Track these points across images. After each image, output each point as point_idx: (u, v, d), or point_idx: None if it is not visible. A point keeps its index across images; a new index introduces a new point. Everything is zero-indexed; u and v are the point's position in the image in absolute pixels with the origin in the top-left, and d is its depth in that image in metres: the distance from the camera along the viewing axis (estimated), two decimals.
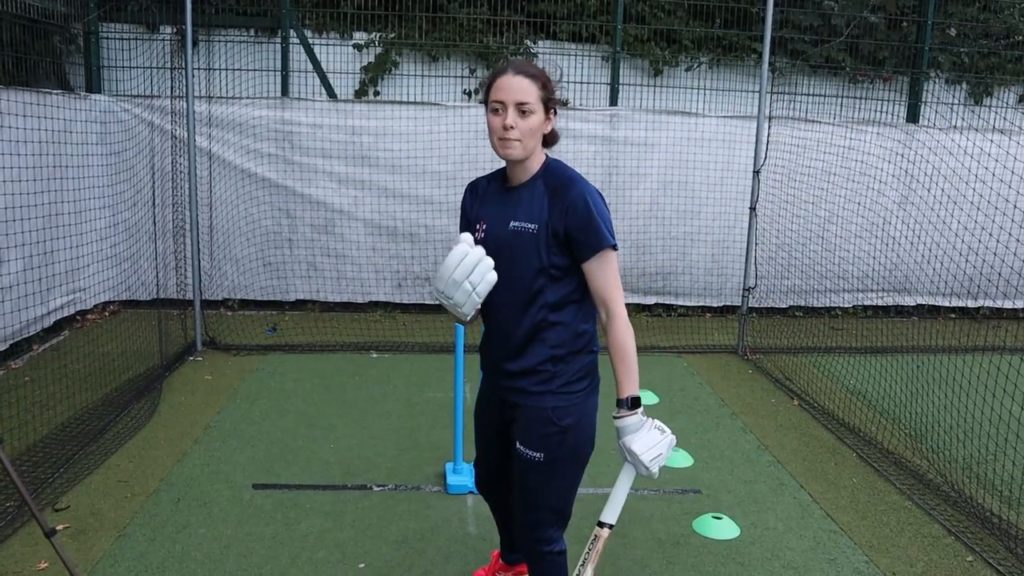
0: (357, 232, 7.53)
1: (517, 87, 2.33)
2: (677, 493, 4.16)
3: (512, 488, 2.59)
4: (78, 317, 6.95)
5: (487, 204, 2.54)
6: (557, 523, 2.53)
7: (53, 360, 5.95)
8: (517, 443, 2.47)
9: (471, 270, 2.29)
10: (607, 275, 2.34)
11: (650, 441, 2.32)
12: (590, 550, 2.45)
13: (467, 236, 2.36)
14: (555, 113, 2.43)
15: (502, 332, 2.49)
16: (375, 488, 4.10)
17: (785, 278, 7.51)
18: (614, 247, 2.35)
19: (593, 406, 2.50)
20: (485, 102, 2.42)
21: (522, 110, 2.33)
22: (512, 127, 2.33)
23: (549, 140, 2.49)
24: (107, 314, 7.27)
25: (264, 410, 5.14)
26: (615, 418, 2.36)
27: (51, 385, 5.34)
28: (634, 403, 2.33)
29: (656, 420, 2.39)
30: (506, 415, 2.58)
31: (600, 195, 2.41)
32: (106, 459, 4.33)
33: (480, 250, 2.33)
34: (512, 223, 2.41)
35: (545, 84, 2.38)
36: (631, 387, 2.34)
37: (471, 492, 4.06)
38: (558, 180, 2.40)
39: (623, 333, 2.34)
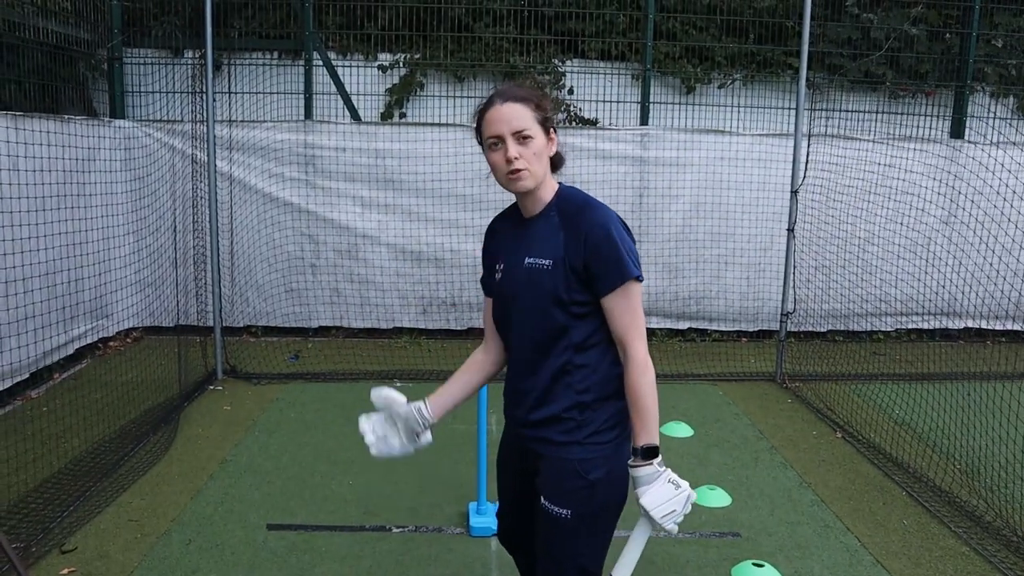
0: (382, 257, 7.38)
1: (510, 115, 2.14)
2: (715, 536, 3.90)
3: (537, 544, 2.36)
4: (100, 345, 6.86)
5: (504, 242, 2.35)
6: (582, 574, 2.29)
7: (72, 390, 5.85)
8: (542, 498, 2.24)
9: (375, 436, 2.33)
10: (629, 311, 2.14)
11: (662, 496, 2.10)
12: None
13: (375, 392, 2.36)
14: (555, 131, 2.25)
15: (524, 377, 2.28)
16: (394, 529, 3.90)
17: (824, 301, 7.21)
18: (639, 279, 2.14)
19: (626, 456, 2.24)
20: (480, 142, 2.23)
21: (521, 136, 2.14)
22: (517, 157, 2.13)
23: (555, 163, 2.29)
24: (129, 341, 7.18)
25: (282, 443, 4.98)
26: (630, 466, 2.16)
27: (68, 416, 5.23)
28: (648, 453, 2.11)
29: (672, 473, 2.14)
30: (529, 465, 2.35)
31: (622, 221, 2.19)
32: (118, 496, 4.19)
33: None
34: (527, 259, 2.21)
35: (539, 104, 2.18)
36: (646, 436, 2.12)
37: (495, 535, 3.84)
38: (573, 207, 2.20)
39: (637, 377, 2.13)
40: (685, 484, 2.13)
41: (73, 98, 7.01)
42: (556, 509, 2.20)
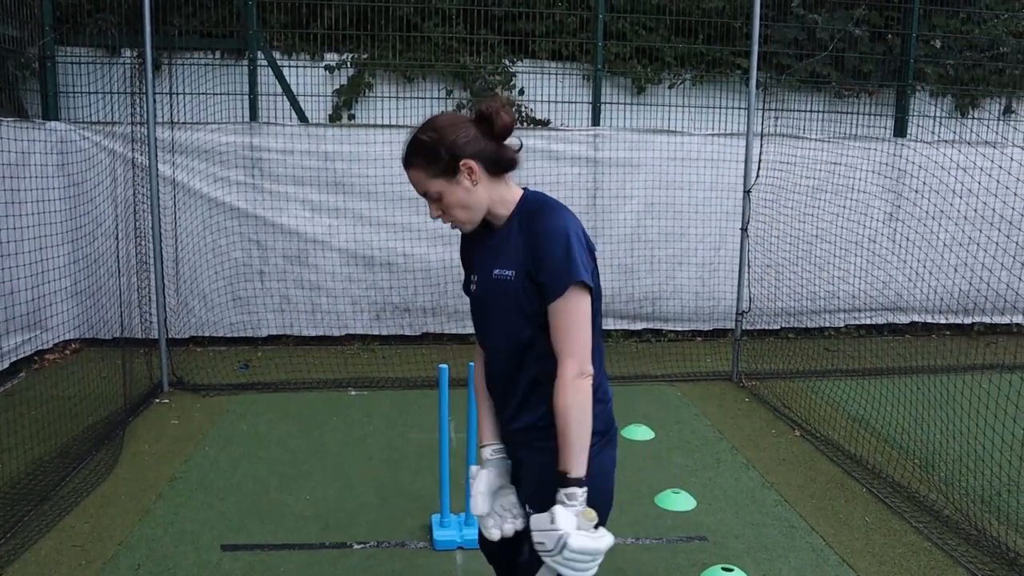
0: (332, 262, 7.20)
1: (414, 180, 2.10)
2: (682, 541, 3.87)
3: (519, 552, 2.25)
4: (36, 358, 6.56)
5: (476, 252, 2.25)
6: None
7: (8, 407, 5.56)
8: (526, 506, 2.17)
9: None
10: (570, 319, 1.97)
11: (542, 523, 1.91)
12: None
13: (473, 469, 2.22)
14: (466, 164, 2.05)
15: (503, 386, 2.20)
16: (355, 546, 3.77)
17: (776, 299, 7.28)
18: (586, 286, 1.99)
19: (608, 460, 2.18)
20: None
21: (431, 198, 2.10)
22: (440, 215, 2.12)
23: (504, 168, 2.13)
24: (68, 353, 6.88)
25: (235, 458, 4.80)
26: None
27: (4, 435, 4.95)
28: (563, 480, 1.92)
29: (581, 516, 1.90)
30: (512, 474, 2.28)
31: (580, 227, 2.06)
32: (60, 520, 3.97)
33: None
34: (495, 271, 2.12)
35: (428, 156, 2.05)
36: (565, 461, 1.93)
37: (460, 547, 3.74)
38: (529, 214, 2.09)
39: (560, 398, 1.94)
40: (606, 534, 1.91)
41: (2, 99, 6.69)
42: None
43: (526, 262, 2.05)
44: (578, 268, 1.96)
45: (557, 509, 1.90)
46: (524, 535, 2.15)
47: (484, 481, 2.20)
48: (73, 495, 4.23)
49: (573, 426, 1.93)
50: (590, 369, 1.99)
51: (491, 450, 2.27)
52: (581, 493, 1.92)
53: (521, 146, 2.16)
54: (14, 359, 6.16)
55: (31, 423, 5.15)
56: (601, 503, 2.14)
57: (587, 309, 2.00)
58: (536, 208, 2.10)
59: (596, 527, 1.91)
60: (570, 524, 1.87)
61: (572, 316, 1.98)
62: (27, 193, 6.15)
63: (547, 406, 2.09)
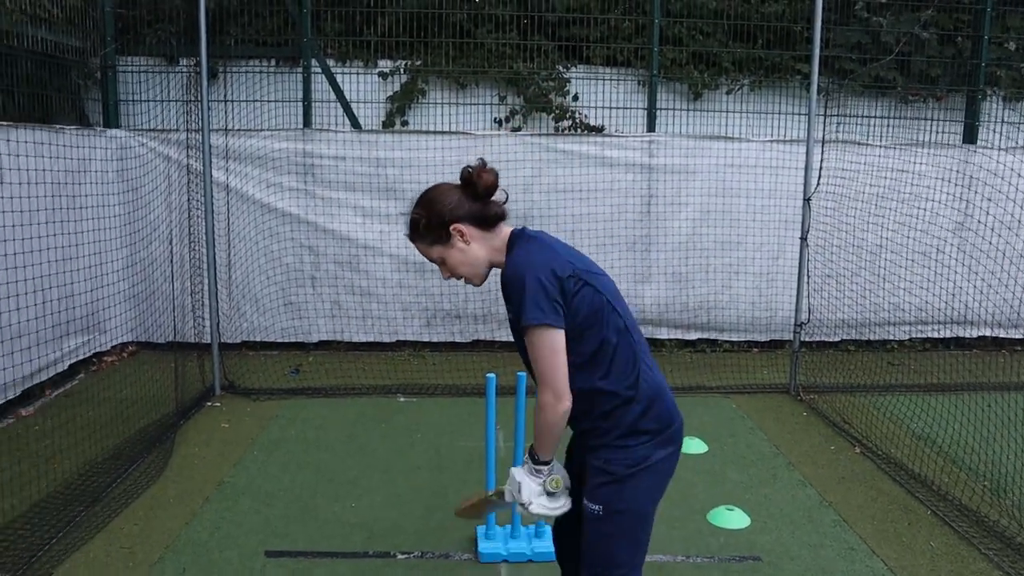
0: (384, 268, 7.20)
1: (419, 250, 2.39)
2: (735, 560, 3.72)
3: (581, 553, 2.44)
4: (94, 360, 6.68)
5: None
6: None
7: (65, 407, 5.67)
8: (584, 500, 2.37)
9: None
10: (536, 353, 2.20)
11: (515, 478, 2.32)
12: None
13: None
14: (456, 227, 2.31)
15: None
16: (399, 556, 3.72)
17: (837, 310, 7.04)
18: (543, 325, 2.17)
19: (658, 460, 2.32)
20: None
21: (437, 261, 2.37)
22: (448, 277, 2.40)
23: (494, 223, 2.36)
24: (125, 355, 7.00)
25: (282, 463, 4.79)
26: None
27: (60, 436, 5.05)
28: (534, 458, 2.29)
29: (549, 477, 2.30)
30: (581, 473, 2.46)
31: (548, 264, 2.22)
32: (110, 521, 4.01)
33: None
34: (506, 310, 2.38)
35: (426, 227, 2.32)
36: (537, 447, 2.28)
37: (505, 560, 3.66)
38: (505, 265, 2.33)
39: (536, 413, 2.23)
40: (531, 499, 2.27)
41: (65, 107, 6.85)
42: (591, 506, 2.31)
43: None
44: (530, 311, 2.16)
45: (525, 481, 2.29)
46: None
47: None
48: (124, 497, 4.26)
49: (544, 433, 2.23)
50: (562, 393, 2.19)
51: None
52: (547, 470, 2.29)
53: (507, 198, 2.39)
54: (72, 361, 6.27)
55: (86, 424, 5.23)
56: (646, 499, 2.33)
57: (550, 344, 2.18)
58: (508, 252, 2.32)
59: (558, 495, 2.32)
60: (532, 494, 2.28)
61: (537, 351, 2.19)
62: (87, 199, 6.29)
63: (592, 413, 2.32)
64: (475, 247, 2.33)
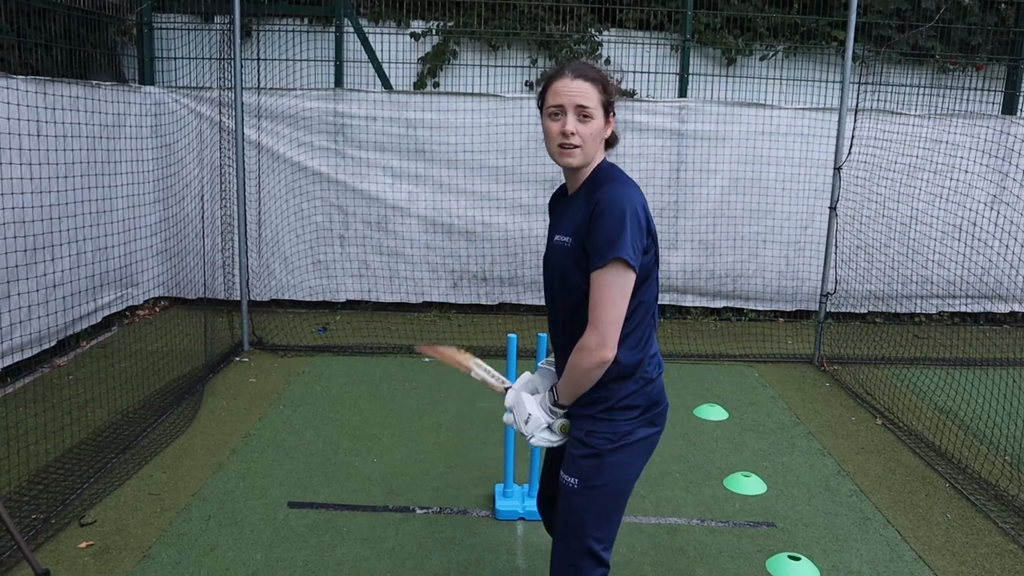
0: (412, 229, 7.25)
1: (577, 91, 2.16)
2: (749, 526, 3.76)
3: (554, 523, 2.39)
4: (128, 313, 6.84)
5: (553, 214, 2.40)
6: (591, 560, 2.29)
7: (99, 358, 5.82)
8: (561, 471, 2.32)
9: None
10: (602, 292, 2.08)
11: (530, 410, 2.29)
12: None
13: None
14: (614, 116, 2.27)
15: (558, 348, 2.36)
16: (418, 511, 3.81)
17: (865, 282, 6.98)
18: (628, 264, 2.06)
19: (643, 439, 2.27)
20: (541, 107, 2.27)
21: (583, 115, 2.17)
22: (573, 133, 2.16)
23: (610, 143, 2.33)
24: (158, 310, 7.15)
25: (307, 417, 4.90)
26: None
27: (94, 385, 5.20)
28: (555, 402, 2.26)
29: (556, 416, 2.29)
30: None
31: (642, 207, 2.14)
32: (140, 468, 4.14)
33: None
34: (556, 236, 2.26)
35: (605, 87, 2.21)
36: (560, 392, 2.24)
37: (521, 518, 3.74)
38: (597, 183, 2.20)
39: (575, 355, 2.15)
40: (536, 423, 2.27)
41: (102, 63, 6.93)
42: (566, 478, 2.26)
43: (581, 229, 2.14)
44: (624, 245, 2.04)
45: (536, 413, 2.27)
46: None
47: (525, 377, 2.45)
48: (153, 445, 4.40)
49: (573, 381, 2.18)
50: (611, 344, 2.10)
51: (545, 361, 2.51)
52: (562, 413, 2.27)
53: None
54: (107, 314, 6.42)
55: (118, 375, 5.38)
56: (624, 477, 2.27)
57: (623, 286, 2.07)
58: (604, 179, 2.20)
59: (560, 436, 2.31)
60: (537, 427, 2.27)
61: (605, 289, 2.07)
62: (122, 153, 6.39)
63: None
64: (599, 141, 2.24)
